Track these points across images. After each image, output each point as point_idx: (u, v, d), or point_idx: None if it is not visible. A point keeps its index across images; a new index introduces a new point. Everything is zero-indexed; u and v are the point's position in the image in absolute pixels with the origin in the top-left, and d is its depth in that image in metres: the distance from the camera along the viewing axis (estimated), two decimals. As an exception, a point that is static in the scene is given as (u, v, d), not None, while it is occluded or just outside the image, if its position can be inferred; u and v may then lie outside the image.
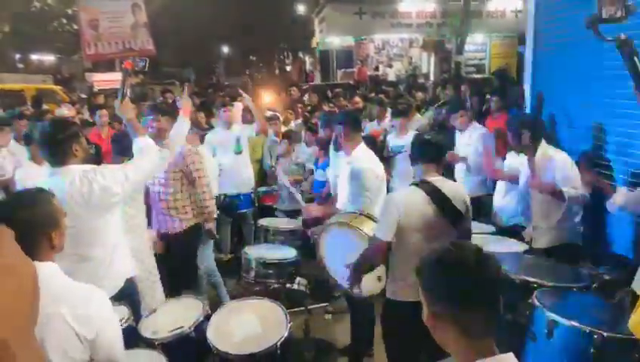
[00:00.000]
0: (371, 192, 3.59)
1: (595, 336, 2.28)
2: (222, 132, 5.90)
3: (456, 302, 1.34)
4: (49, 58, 29.82)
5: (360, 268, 2.95)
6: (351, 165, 3.73)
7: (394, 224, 2.81)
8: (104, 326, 1.87)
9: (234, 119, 6.03)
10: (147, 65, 3.45)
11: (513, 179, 4.33)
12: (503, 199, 4.66)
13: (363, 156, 3.77)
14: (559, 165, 3.65)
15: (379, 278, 3.13)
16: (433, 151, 3.00)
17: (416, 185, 2.93)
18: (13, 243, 0.83)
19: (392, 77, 19.62)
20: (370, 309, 3.84)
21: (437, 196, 2.85)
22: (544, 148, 3.78)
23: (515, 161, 4.44)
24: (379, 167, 3.78)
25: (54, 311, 1.74)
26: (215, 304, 3.77)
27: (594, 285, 3.07)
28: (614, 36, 2.46)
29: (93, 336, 1.82)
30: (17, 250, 0.83)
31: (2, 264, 0.79)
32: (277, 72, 38.53)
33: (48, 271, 1.81)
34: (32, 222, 1.84)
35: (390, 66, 20.90)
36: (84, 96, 14.92)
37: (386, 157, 5.51)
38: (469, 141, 5.12)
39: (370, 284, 3.16)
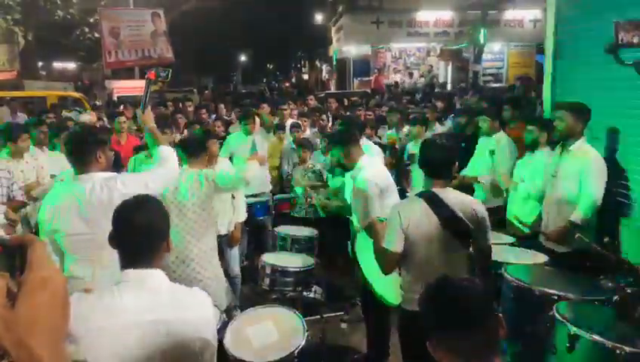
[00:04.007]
0: (374, 201, 3.53)
1: (618, 351, 2.24)
2: (241, 137, 6.07)
3: (448, 328, 1.51)
4: (70, 66, 30.37)
5: None
6: (353, 180, 3.74)
7: (399, 233, 2.78)
8: (211, 328, 1.89)
9: (255, 129, 6.19)
10: (170, 75, 3.49)
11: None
12: (522, 206, 4.60)
13: (363, 168, 3.72)
14: (592, 163, 3.76)
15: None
16: (434, 166, 2.90)
17: (419, 195, 2.89)
18: (45, 255, 0.84)
19: (410, 85, 19.60)
20: (386, 318, 3.82)
21: (438, 207, 2.76)
22: (582, 144, 3.89)
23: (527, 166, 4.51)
24: (379, 176, 3.70)
25: (176, 317, 1.76)
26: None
27: (615, 298, 3.02)
28: (634, 60, 2.48)
29: (209, 337, 1.83)
30: (50, 261, 0.85)
31: (38, 277, 0.80)
32: (294, 80, 38.76)
33: (160, 279, 1.85)
34: (153, 227, 1.87)
35: (411, 75, 20.89)
36: (98, 103, 15.14)
37: (404, 166, 5.52)
38: (494, 148, 5.10)
39: (394, 293, 3.15)
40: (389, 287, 3.19)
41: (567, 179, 3.88)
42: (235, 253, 4.81)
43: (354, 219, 3.96)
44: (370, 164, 3.78)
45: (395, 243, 2.80)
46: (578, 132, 3.91)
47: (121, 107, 9.06)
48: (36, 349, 0.75)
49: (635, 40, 2.70)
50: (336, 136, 4.02)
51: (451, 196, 2.82)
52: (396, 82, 19.61)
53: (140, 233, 1.85)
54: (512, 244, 4.09)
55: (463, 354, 1.48)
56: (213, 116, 8.69)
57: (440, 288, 1.59)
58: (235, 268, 4.79)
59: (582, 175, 3.76)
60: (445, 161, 2.89)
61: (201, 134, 5.09)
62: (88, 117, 8.34)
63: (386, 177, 3.76)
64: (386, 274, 2.99)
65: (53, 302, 0.80)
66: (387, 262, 2.87)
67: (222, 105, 9.95)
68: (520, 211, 4.55)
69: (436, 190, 2.83)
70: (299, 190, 5.92)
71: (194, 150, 3.89)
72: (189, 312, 1.80)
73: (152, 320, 1.72)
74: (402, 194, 4.40)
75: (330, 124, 7.61)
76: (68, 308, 0.83)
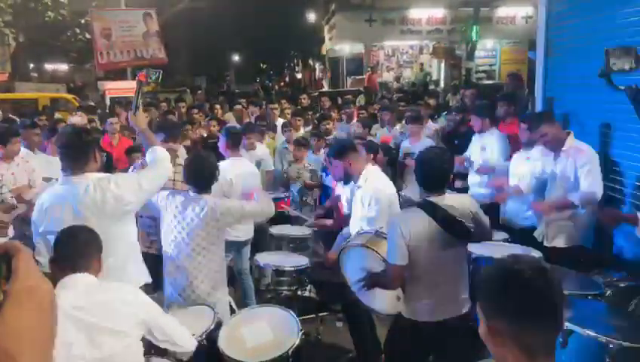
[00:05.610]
0: (384, 212, 3.53)
1: (611, 346, 2.26)
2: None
3: (519, 318, 1.31)
4: (62, 67, 30.20)
5: (374, 284, 2.97)
6: (361, 189, 3.70)
7: (404, 247, 2.75)
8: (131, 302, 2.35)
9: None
10: (160, 76, 3.47)
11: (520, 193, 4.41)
12: (516, 203, 4.61)
13: (372, 177, 3.72)
14: (586, 158, 3.75)
15: (397, 298, 3.02)
16: (430, 180, 2.91)
17: (418, 206, 2.88)
18: (31, 263, 0.83)
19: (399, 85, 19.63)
20: (367, 315, 3.80)
21: (441, 216, 2.77)
22: (573, 140, 3.89)
23: (522, 163, 4.50)
24: (389, 186, 3.78)
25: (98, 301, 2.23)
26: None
27: (608, 292, 3.04)
28: (626, 85, 2.53)
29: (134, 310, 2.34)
30: (36, 269, 0.84)
31: (24, 286, 0.79)
32: (287, 79, 38.70)
33: (89, 279, 2.31)
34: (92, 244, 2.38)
35: (398, 79, 20.91)
36: (92, 104, 15.07)
37: (399, 166, 5.53)
38: (486, 144, 5.12)
39: (389, 303, 3.09)
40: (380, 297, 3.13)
41: (564, 176, 3.87)
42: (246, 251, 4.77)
43: (352, 224, 3.92)
44: (377, 174, 3.80)
45: (399, 257, 2.76)
46: (564, 134, 3.93)
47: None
48: (22, 360, 0.74)
49: (626, 66, 2.76)
50: (333, 149, 4.00)
51: (449, 203, 2.83)
52: (385, 82, 19.68)
53: (70, 258, 2.31)
54: (505, 240, 4.10)
55: (534, 350, 1.31)
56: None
57: (526, 274, 1.32)
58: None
59: (580, 170, 3.75)
60: (441, 175, 2.91)
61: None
62: (78, 118, 8.28)
63: (391, 185, 3.81)
64: (394, 289, 2.94)
65: (39, 312, 0.79)
66: (394, 276, 2.82)
67: (217, 106, 9.92)
68: (514, 208, 4.57)
69: (433, 199, 2.84)
70: (294, 188, 5.91)
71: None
72: (110, 296, 2.30)
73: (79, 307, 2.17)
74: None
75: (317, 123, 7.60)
76: (55, 317, 0.82)
